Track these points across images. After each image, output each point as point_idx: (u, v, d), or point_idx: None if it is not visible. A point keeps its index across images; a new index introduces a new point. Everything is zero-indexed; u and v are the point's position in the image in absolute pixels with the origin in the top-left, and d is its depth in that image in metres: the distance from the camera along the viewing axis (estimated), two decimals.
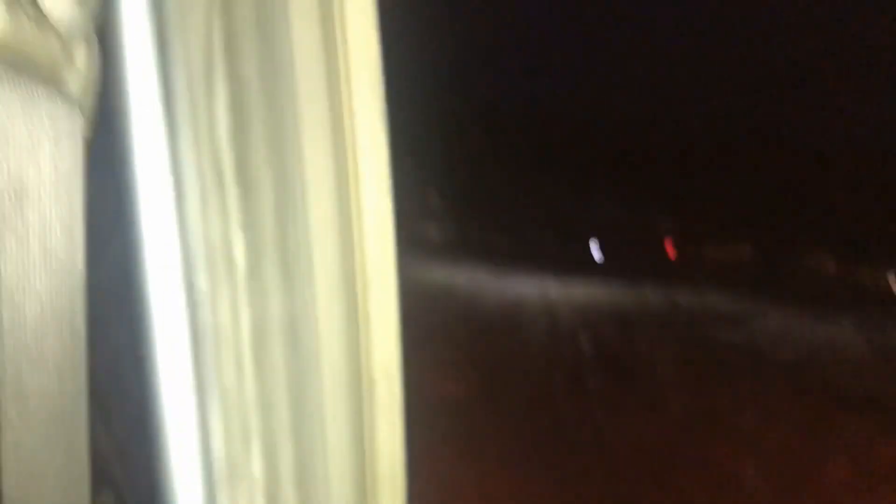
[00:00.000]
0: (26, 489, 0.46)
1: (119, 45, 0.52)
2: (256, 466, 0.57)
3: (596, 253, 10.62)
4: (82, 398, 0.50)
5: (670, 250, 10.71)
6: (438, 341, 5.29)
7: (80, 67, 0.48)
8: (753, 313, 7.67)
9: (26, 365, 0.47)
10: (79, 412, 0.50)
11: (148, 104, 0.52)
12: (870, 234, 8.77)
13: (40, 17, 0.45)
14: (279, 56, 0.56)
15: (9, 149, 0.43)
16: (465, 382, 4.77)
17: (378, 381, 0.64)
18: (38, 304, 0.47)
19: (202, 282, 0.54)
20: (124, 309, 0.53)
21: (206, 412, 0.54)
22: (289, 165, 0.57)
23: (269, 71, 0.56)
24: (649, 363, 5.72)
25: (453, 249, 9.43)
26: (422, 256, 8.25)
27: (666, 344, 6.39)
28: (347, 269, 0.59)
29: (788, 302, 7.85)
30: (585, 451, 4.25)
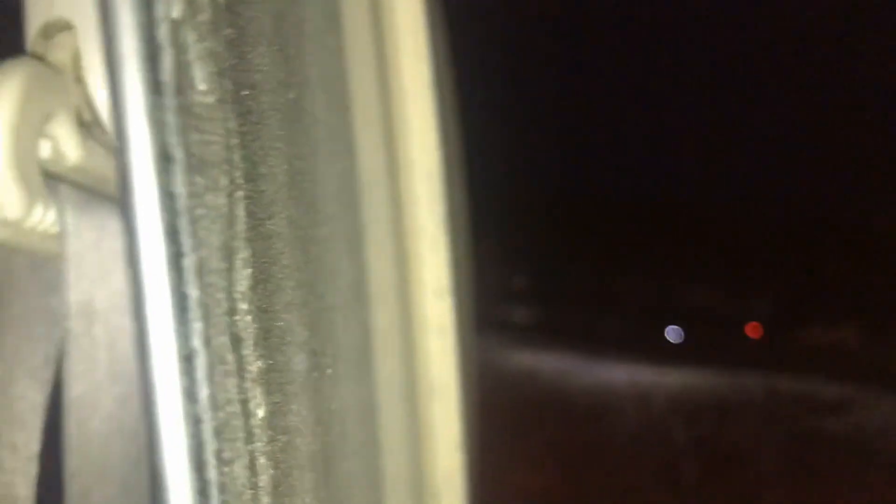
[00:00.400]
0: None
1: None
2: None
3: (689, 337, 10.26)
4: None
5: (756, 332, 10.31)
6: (521, 429, 5.16)
7: None
8: (861, 402, 7.20)
9: (91, 478, 0.48)
10: None
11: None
12: None
13: (111, 142, 0.47)
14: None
15: (81, 278, 0.45)
16: (549, 474, 4.60)
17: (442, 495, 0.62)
18: (104, 417, 0.48)
19: None
20: None
21: None
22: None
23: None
24: (747, 455, 5.40)
25: (538, 333, 9.30)
26: (505, 340, 8.16)
27: (765, 434, 6.04)
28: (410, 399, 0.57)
29: None
30: None
